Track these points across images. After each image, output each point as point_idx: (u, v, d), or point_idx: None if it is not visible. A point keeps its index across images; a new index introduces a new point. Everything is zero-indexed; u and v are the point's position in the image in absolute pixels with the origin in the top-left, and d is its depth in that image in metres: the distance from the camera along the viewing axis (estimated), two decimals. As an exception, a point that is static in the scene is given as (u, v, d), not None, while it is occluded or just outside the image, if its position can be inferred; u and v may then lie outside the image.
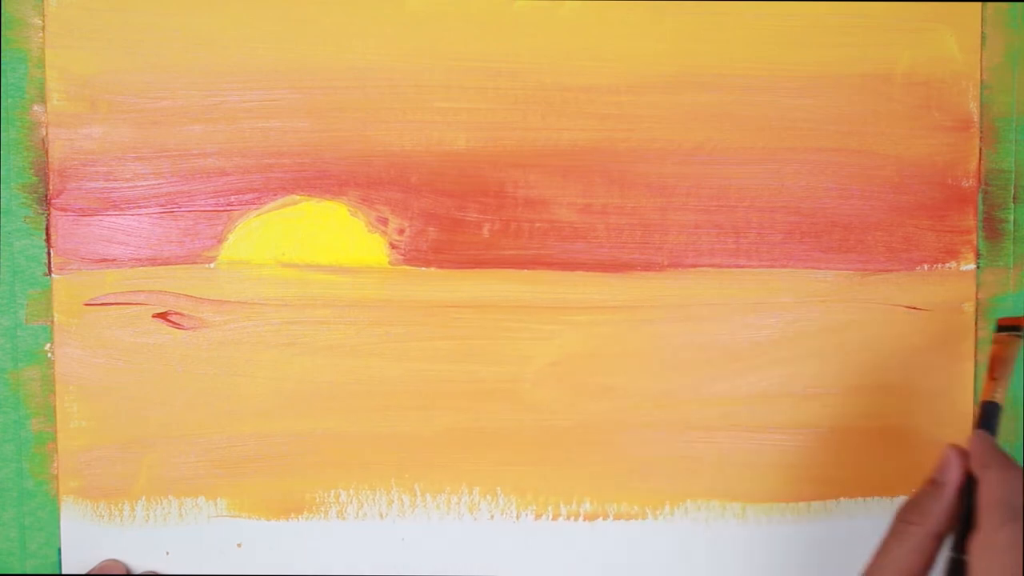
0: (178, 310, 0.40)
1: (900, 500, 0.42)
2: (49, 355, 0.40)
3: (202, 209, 0.40)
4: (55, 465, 0.40)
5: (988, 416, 0.35)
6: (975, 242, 0.42)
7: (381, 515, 0.41)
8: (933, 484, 0.33)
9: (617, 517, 0.41)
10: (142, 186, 0.39)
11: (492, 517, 0.41)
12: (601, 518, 0.41)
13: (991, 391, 0.36)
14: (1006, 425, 0.42)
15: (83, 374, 0.40)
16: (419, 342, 0.40)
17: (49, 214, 0.39)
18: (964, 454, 0.33)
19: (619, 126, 0.40)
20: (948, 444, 0.34)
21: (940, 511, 0.32)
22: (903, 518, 0.33)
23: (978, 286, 0.42)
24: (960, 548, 0.32)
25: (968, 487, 0.33)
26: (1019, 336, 0.37)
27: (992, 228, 0.42)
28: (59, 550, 0.40)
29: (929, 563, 0.32)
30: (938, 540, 0.32)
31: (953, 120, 0.41)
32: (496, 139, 0.40)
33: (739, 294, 0.41)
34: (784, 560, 0.42)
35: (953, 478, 0.33)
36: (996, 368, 0.36)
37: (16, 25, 0.39)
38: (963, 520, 0.32)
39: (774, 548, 0.42)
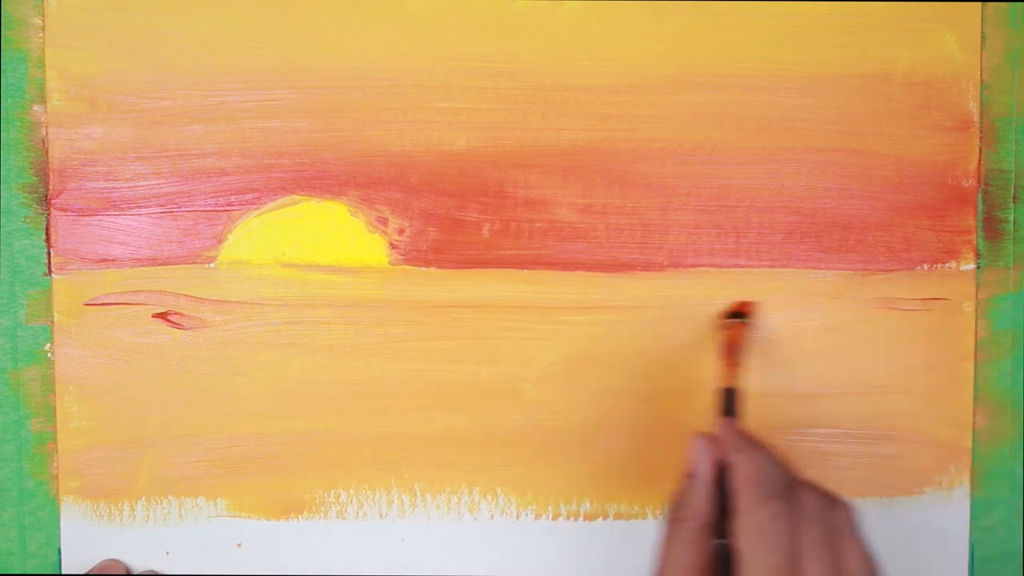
0: (178, 310, 0.40)
1: (900, 500, 0.42)
2: (49, 355, 0.40)
3: (202, 209, 0.40)
4: (55, 465, 0.40)
5: (729, 402, 0.35)
6: (975, 242, 0.42)
7: (381, 515, 0.41)
8: (689, 477, 0.33)
9: (617, 517, 0.41)
10: (142, 186, 0.39)
11: (492, 517, 0.41)
12: (601, 518, 0.41)
13: (730, 377, 0.36)
14: (1006, 425, 0.42)
15: (83, 374, 0.40)
16: (419, 342, 0.40)
17: (49, 214, 0.39)
18: (712, 442, 0.33)
19: (619, 126, 0.40)
20: (694, 434, 0.34)
21: (701, 502, 0.32)
22: (670, 516, 0.32)
23: (978, 286, 0.42)
24: (725, 534, 0.32)
25: (723, 474, 0.33)
26: (745, 321, 0.39)
27: (992, 228, 0.42)
28: (59, 550, 0.40)
29: (707, 554, 0.32)
30: (709, 530, 0.32)
31: (953, 120, 0.41)
32: (496, 139, 0.40)
33: (739, 294, 0.41)
34: (784, 560, 0.42)
35: (705, 467, 0.33)
36: (730, 354, 0.37)
37: (16, 25, 0.39)
38: (723, 507, 0.32)
39: (774, 548, 0.42)
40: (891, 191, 0.41)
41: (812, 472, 0.41)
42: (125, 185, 0.39)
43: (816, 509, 0.31)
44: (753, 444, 0.33)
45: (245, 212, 0.40)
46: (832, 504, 0.32)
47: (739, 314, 0.39)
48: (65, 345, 0.39)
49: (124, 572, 0.40)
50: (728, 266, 0.41)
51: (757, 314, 0.40)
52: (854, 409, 0.42)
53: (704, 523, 0.32)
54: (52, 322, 0.39)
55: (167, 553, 0.40)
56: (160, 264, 0.40)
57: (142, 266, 0.40)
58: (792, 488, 0.32)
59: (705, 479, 0.33)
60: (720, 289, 0.41)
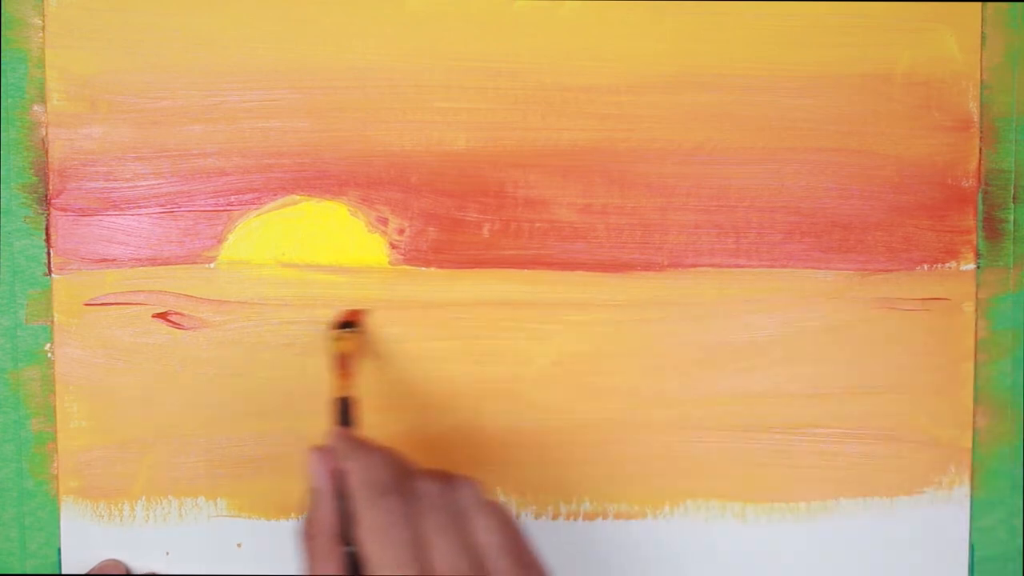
0: (178, 310, 0.40)
1: (900, 500, 0.42)
2: (49, 355, 0.40)
3: (202, 209, 0.40)
4: (55, 465, 0.40)
5: (344, 411, 0.35)
6: (975, 242, 0.42)
7: (381, 515, 0.41)
8: (312, 492, 0.33)
9: (617, 517, 0.41)
10: (142, 186, 0.39)
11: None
12: (601, 518, 0.41)
13: (342, 388, 0.36)
14: (1006, 425, 0.42)
15: (83, 374, 0.40)
16: (419, 342, 0.40)
17: (49, 214, 0.39)
18: (327, 453, 0.33)
19: (619, 126, 0.40)
20: (309, 448, 0.33)
21: (325, 514, 0.32)
22: (301, 536, 0.32)
23: (978, 286, 0.42)
24: (353, 541, 0.31)
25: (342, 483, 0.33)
26: (355, 331, 0.38)
27: (992, 228, 0.42)
28: (59, 550, 0.40)
29: (341, 564, 0.32)
30: (338, 540, 0.32)
31: (953, 120, 0.41)
32: (496, 139, 0.40)
33: (739, 294, 0.41)
34: (784, 560, 0.42)
35: (323, 480, 0.32)
36: (342, 365, 0.37)
37: (16, 25, 0.39)
38: (346, 515, 0.32)
39: (774, 548, 0.42)
40: (891, 191, 0.41)
41: (812, 472, 0.42)
42: (125, 185, 0.39)
43: (435, 495, 0.32)
44: (364, 448, 0.33)
45: (245, 212, 0.40)
46: (452, 486, 0.32)
47: (348, 324, 0.39)
48: (65, 345, 0.39)
49: (124, 572, 0.40)
50: (728, 266, 0.41)
51: (366, 323, 0.39)
52: (854, 409, 0.42)
53: (332, 534, 0.31)
54: (52, 322, 0.39)
55: (167, 553, 0.40)
56: (160, 264, 0.40)
57: (142, 266, 0.40)
58: (408, 481, 0.32)
59: (325, 491, 0.32)
60: (720, 289, 0.41)
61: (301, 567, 0.32)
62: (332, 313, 0.40)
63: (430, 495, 0.32)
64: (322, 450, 0.33)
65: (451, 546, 0.30)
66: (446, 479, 0.33)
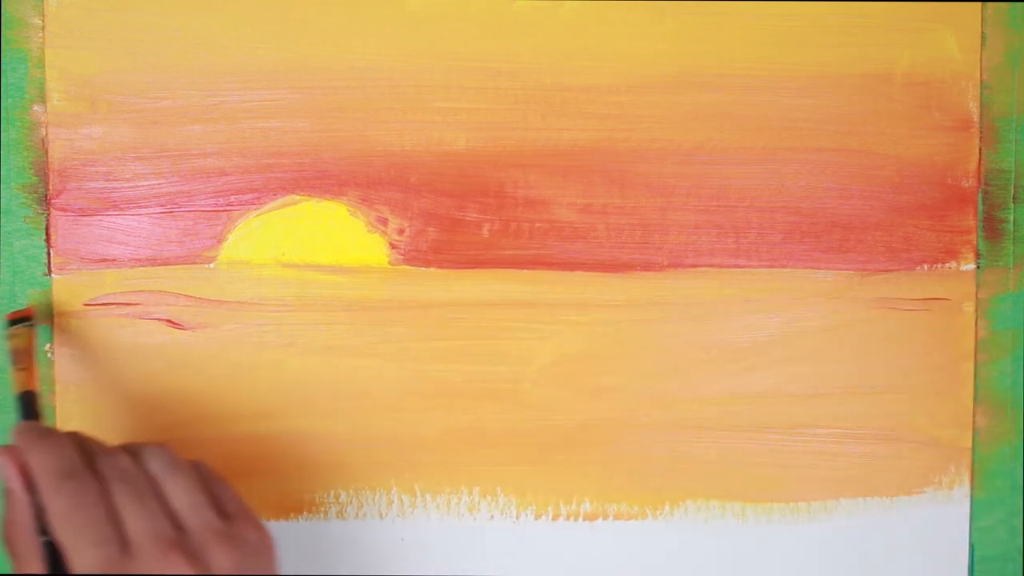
0: (178, 310, 0.40)
1: (900, 500, 0.42)
2: (49, 355, 0.40)
3: (202, 209, 0.40)
4: (55, 465, 0.40)
5: (27, 406, 0.35)
6: (975, 242, 0.42)
7: (381, 515, 0.41)
8: (7, 493, 0.32)
9: (617, 517, 0.41)
10: (142, 186, 0.39)
11: (492, 517, 0.41)
12: (601, 518, 0.41)
13: (23, 382, 0.36)
14: (1006, 425, 0.42)
15: (83, 374, 0.40)
16: (419, 342, 0.40)
17: (49, 214, 0.39)
18: (10, 451, 0.32)
19: (619, 126, 0.40)
20: None
21: (20, 512, 0.31)
22: (3, 538, 0.32)
23: (978, 286, 0.42)
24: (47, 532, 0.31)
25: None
26: (31, 327, 0.38)
27: (992, 228, 0.42)
28: (59, 550, 0.40)
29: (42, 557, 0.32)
30: (36, 534, 0.31)
31: (953, 120, 0.41)
32: (496, 139, 0.40)
33: (739, 294, 0.41)
34: (784, 560, 0.42)
35: (13, 479, 0.32)
36: (19, 360, 0.37)
37: (16, 25, 0.39)
38: (39, 508, 0.31)
39: (774, 548, 0.42)
40: (891, 191, 0.41)
41: (812, 472, 0.42)
42: (125, 185, 0.39)
43: (124, 467, 0.32)
44: (43, 437, 0.32)
45: (245, 212, 0.40)
46: (140, 455, 0.33)
47: (23, 319, 0.38)
48: (65, 345, 0.39)
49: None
50: (728, 266, 0.41)
51: (38, 317, 0.39)
52: (854, 409, 0.42)
53: (31, 530, 0.31)
54: (52, 322, 0.39)
55: (167, 553, 0.40)
56: (160, 264, 0.40)
57: (142, 266, 0.40)
58: (93, 460, 0.32)
59: (17, 489, 0.32)
60: (720, 289, 0.41)
61: (10, 569, 0.32)
62: (330, 312, 0.40)
63: (118, 469, 0.32)
64: (6, 448, 0.32)
65: (147, 512, 0.31)
66: (133, 450, 0.33)
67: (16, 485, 0.32)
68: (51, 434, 0.33)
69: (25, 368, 0.37)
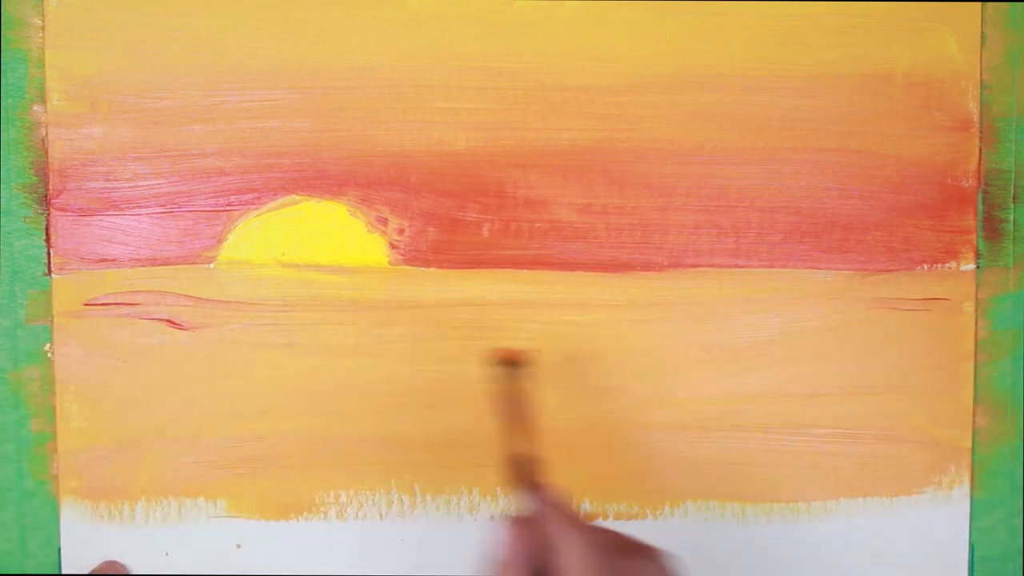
0: (178, 310, 0.40)
1: (900, 500, 0.42)
2: (49, 355, 0.40)
3: (202, 209, 0.40)
4: (55, 465, 0.40)
5: (527, 472, 0.30)
6: (975, 242, 0.42)
7: (381, 515, 0.41)
8: (503, 566, 0.30)
9: (617, 517, 0.41)
10: (142, 186, 0.39)
11: (492, 517, 0.41)
12: (601, 518, 0.41)
13: (518, 442, 0.30)
14: (1006, 425, 0.42)
15: (83, 374, 0.40)
16: (419, 342, 0.40)
17: (49, 214, 0.39)
18: (526, 526, 0.30)
19: (619, 126, 0.40)
20: (504, 519, 0.30)
21: None
22: None
23: (978, 286, 0.42)
24: None
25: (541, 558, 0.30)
26: (521, 371, 0.31)
27: (992, 228, 0.42)
28: (59, 550, 0.40)
29: None
30: None
31: (953, 120, 0.41)
32: (496, 139, 0.40)
33: (739, 294, 0.41)
34: (784, 560, 0.42)
35: (518, 556, 0.30)
36: (512, 414, 0.31)
37: (16, 25, 0.39)
38: None
39: (774, 548, 0.42)
40: (891, 191, 0.41)
41: (812, 472, 0.42)
42: (125, 185, 0.39)
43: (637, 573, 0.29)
44: (573, 522, 0.30)
45: (245, 212, 0.40)
46: (647, 559, 0.30)
47: (511, 363, 0.34)
48: (65, 345, 0.39)
49: (124, 573, 0.39)
50: (728, 266, 0.41)
51: (532, 362, 0.34)
52: (854, 409, 0.42)
53: None
54: (52, 322, 0.39)
55: (167, 553, 0.40)
56: (160, 264, 0.40)
57: (142, 266, 0.40)
58: (624, 559, 0.30)
59: (519, 568, 0.30)
60: (720, 289, 0.41)
61: None
62: (331, 312, 0.40)
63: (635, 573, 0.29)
64: (520, 523, 0.30)
65: None
66: (652, 555, 0.30)
67: (518, 566, 0.29)
68: (578, 520, 0.30)
69: (519, 425, 0.31)
